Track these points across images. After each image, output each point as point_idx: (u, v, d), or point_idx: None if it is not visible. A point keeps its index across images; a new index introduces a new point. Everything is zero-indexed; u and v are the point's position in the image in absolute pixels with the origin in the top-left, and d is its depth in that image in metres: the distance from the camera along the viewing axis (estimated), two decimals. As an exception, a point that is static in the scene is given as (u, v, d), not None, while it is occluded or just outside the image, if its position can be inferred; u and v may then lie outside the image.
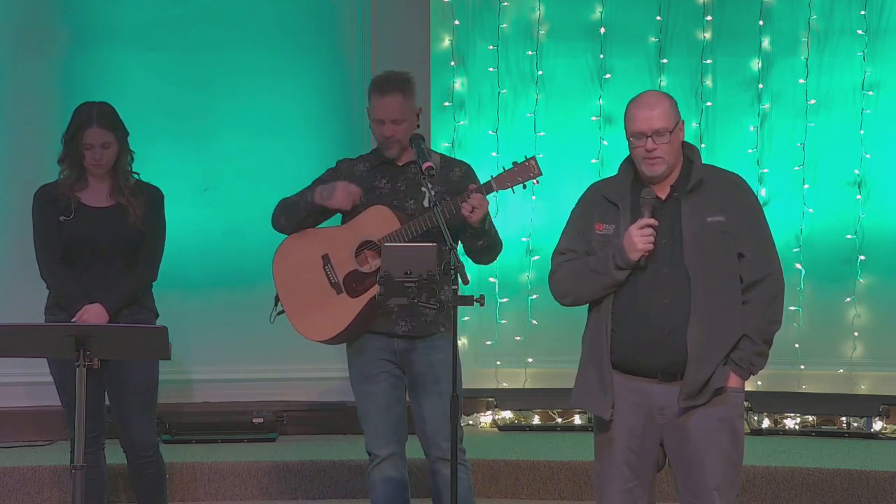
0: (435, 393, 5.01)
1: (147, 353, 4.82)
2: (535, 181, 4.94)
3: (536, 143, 7.63)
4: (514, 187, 4.94)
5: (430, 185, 4.76)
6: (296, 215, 5.12)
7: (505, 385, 7.73)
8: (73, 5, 7.38)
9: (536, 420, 7.58)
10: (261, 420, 7.22)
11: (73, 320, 5.18)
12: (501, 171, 4.95)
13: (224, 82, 7.43)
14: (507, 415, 7.55)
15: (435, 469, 5.05)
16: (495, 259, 5.17)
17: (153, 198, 5.38)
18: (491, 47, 7.71)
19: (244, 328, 7.39)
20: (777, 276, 4.37)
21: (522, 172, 4.92)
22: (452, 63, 7.64)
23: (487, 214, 4.91)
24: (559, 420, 7.55)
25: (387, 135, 5.04)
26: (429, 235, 4.88)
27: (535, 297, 7.61)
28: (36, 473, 6.43)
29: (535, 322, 7.68)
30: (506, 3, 7.71)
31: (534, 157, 4.95)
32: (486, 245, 5.01)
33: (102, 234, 5.25)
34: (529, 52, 7.73)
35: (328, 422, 7.40)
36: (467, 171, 5.15)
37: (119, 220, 5.26)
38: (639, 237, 4.26)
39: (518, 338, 7.62)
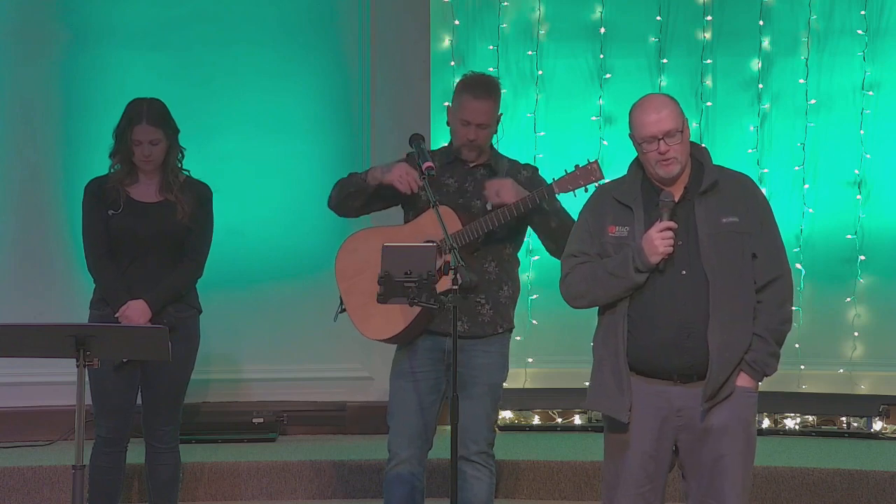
0: (474, 395, 5.02)
1: (147, 353, 4.82)
2: (597, 185, 4.87)
3: (536, 143, 7.63)
4: (575, 190, 4.91)
5: (429, 186, 4.76)
6: (345, 190, 5.06)
7: (505, 385, 7.70)
8: (73, 5, 7.37)
9: (536, 420, 7.57)
10: (261, 420, 7.22)
11: (115, 316, 5.21)
12: (564, 174, 4.93)
13: (224, 82, 7.42)
14: (507, 415, 7.54)
15: (458, 468, 5.03)
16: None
17: (202, 195, 5.40)
18: (491, 47, 7.70)
19: (244, 328, 7.39)
20: (788, 277, 4.39)
21: (584, 176, 4.90)
22: (452, 63, 7.63)
23: (532, 194, 4.89)
24: (559, 420, 7.55)
25: (470, 138, 5.02)
26: (491, 237, 4.92)
27: (535, 297, 7.60)
28: (36, 473, 6.43)
29: (535, 322, 7.67)
30: (506, 3, 7.71)
31: (596, 161, 4.94)
32: (558, 227, 4.95)
33: (149, 229, 5.27)
34: (529, 52, 7.72)
35: (328, 422, 7.40)
36: (534, 173, 5.16)
37: (166, 216, 5.29)
38: (659, 240, 4.25)
39: (518, 338, 7.58)
